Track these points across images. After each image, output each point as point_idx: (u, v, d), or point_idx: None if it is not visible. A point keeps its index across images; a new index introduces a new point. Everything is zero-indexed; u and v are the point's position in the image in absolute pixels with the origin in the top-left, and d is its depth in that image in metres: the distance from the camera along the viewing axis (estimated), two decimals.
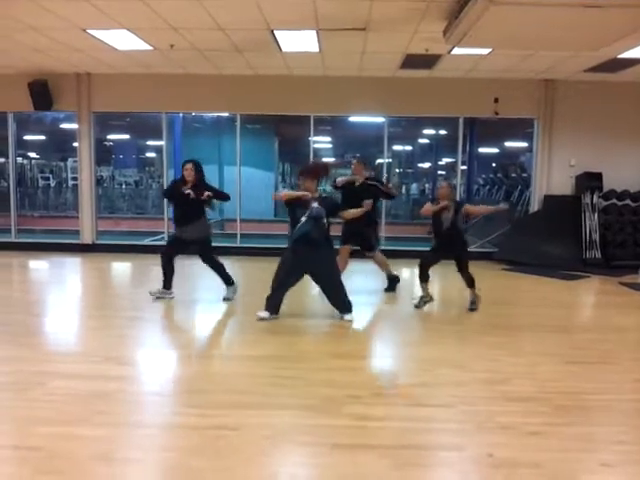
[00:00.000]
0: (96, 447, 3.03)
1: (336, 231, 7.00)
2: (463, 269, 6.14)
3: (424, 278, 6.27)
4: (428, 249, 6.53)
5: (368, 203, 5.78)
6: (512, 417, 3.50)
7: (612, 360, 4.72)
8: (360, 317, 6.16)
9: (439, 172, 17.82)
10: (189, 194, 6.16)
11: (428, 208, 6.19)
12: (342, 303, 5.75)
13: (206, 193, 6.21)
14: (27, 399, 3.67)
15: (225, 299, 6.51)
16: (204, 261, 6.52)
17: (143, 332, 5.52)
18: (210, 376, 4.29)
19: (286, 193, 5.83)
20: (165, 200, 7.32)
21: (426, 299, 6.33)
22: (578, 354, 4.86)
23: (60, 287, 8.08)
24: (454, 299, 6.72)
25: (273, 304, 5.70)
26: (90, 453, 2.97)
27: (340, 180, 7.17)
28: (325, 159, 14.20)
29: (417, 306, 6.30)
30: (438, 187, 6.39)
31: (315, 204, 5.56)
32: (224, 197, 6.58)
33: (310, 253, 5.53)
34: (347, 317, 5.71)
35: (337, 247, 7.10)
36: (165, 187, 7.02)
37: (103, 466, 2.86)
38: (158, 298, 6.44)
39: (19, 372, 4.17)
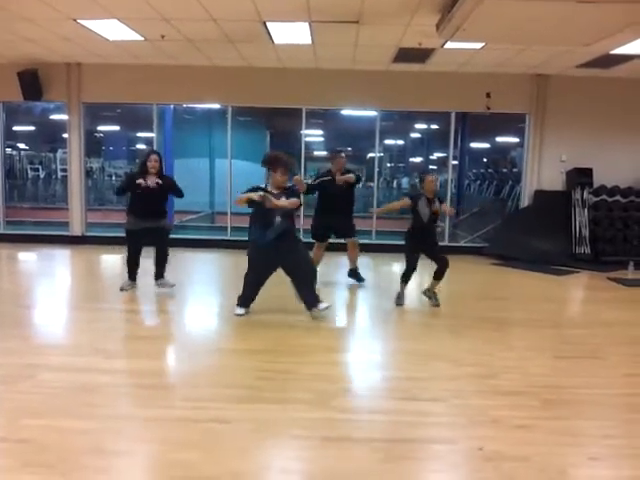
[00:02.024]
0: (85, 440, 3.02)
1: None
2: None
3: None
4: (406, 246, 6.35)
5: (294, 201, 5.52)
6: (502, 411, 3.52)
7: (600, 355, 4.75)
8: (352, 312, 6.18)
9: (431, 167, 17.83)
10: (157, 184, 6.20)
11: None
12: (315, 295, 5.63)
13: (155, 180, 6.23)
14: (16, 391, 3.65)
15: (171, 285, 6.57)
16: (159, 248, 6.52)
17: (132, 325, 5.51)
18: (200, 370, 4.28)
19: (243, 197, 5.44)
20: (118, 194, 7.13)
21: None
22: (567, 349, 4.90)
23: (49, 279, 8.02)
24: (444, 295, 6.72)
25: (248, 299, 5.68)
26: (79, 445, 2.96)
27: (314, 182, 7.13)
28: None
29: (400, 304, 6.28)
30: (426, 179, 6.14)
31: (283, 199, 5.42)
32: (180, 194, 6.53)
33: (284, 247, 5.44)
34: (322, 305, 5.57)
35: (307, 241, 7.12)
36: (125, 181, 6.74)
37: (92, 458, 2.85)
38: (123, 290, 6.49)
39: (8, 364, 4.14)
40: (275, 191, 5.46)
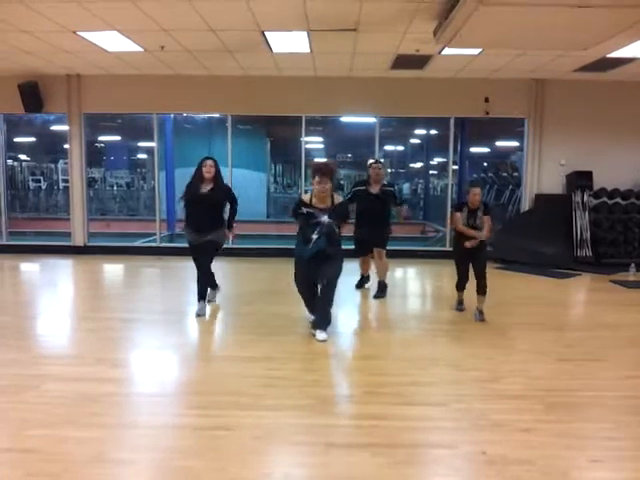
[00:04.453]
0: (89, 449, 3.03)
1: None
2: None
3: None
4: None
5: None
6: (504, 415, 3.53)
7: (603, 357, 4.75)
8: (353, 317, 6.19)
9: (431, 172, 17.85)
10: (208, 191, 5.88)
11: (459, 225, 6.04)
12: (328, 316, 5.28)
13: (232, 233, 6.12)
14: (20, 402, 3.67)
15: (209, 301, 6.37)
16: (203, 263, 6.11)
17: (135, 334, 5.51)
18: (203, 377, 4.29)
19: None
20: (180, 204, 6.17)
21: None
22: (569, 352, 4.90)
23: (52, 289, 8.04)
24: (447, 299, 6.73)
25: (312, 310, 5.47)
26: (83, 455, 2.97)
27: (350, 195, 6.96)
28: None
29: (460, 309, 6.29)
30: (470, 191, 5.96)
31: (325, 217, 5.10)
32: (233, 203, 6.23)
33: (322, 263, 5.15)
34: (320, 336, 5.13)
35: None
36: (184, 192, 6.08)
37: (96, 467, 2.86)
38: (210, 301, 6.35)
39: (12, 375, 4.16)
40: (319, 205, 5.16)
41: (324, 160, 6.05)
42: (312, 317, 5.48)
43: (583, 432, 3.35)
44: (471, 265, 6.06)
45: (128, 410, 3.66)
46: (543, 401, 3.76)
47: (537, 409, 3.64)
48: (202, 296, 6.09)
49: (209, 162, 5.91)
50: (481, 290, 5.96)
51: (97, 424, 3.34)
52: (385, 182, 7.12)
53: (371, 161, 7.19)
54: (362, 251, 7.18)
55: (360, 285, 7.40)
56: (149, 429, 3.33)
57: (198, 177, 5.93)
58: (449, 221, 6.20)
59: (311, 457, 3.02)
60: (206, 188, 5.92)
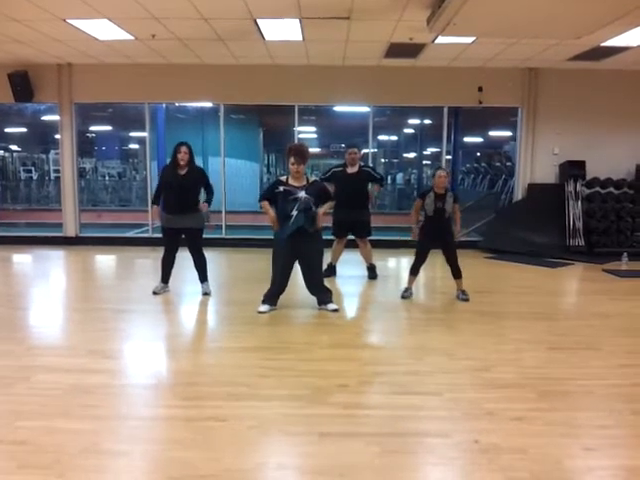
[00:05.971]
0: (82, 440, 3.01)
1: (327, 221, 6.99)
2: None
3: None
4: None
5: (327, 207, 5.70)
6: (497, 403, 3.54)
7: (595, 346, 4.77)
8: (347, 307, 6.18)
9: (424, 162, 17.85)
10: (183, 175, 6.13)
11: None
12: (324, 291, 5.77)
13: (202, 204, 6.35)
14: (11, 393, 3.64)
15: (206, 294, 6.43)
16: (193, 252, 6.37)
17: (128, 325, 5.48)
18: (197, 368, 4.28)
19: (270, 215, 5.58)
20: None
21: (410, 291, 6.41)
22: (562, 340, 4.92)
23: (44, 280, 8.00)
24: (440, 288, 6.75)
25: (270, 296, 5.72)
26: (76, 446, 2.95)
27: (326, 174, 7.20)
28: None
29: (405, 297, 6.33)
30: (436, 174, 6.16)
31: (302, 193, 5.42)
32: (209, 189, 6.44)
33: (302, 241, 5.48)
34: (331, 307, 5.72)
35: (331, 238, 7.17)
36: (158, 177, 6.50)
37: (89, 458, 2.84)
38: (156, 294, 6.38)
39: (3, 366, 4.13)
40: (295, 183, 5.49)
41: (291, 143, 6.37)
42: (263, 308, 5.65)
43: (576, 420, 3.36)
44: (443, 252, 6.28)
45: (121, 401, 3.64)
46: (536, 390, 3.77)
47: (530, 398, 3.65)
48: (165, 279, 6.45)
49: (183, 148, 6.14)
50: (457, 274, 6.26)
51: (90, 415, 3.33)
52: (362, 163, 7.29)
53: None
54: (340, 232, 7.26)
55: (327, 274, 7.02)
56: (143, 420, 3.32)
57: (174, 162, 6.17)
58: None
59: (305, 447, 3.01)
60: (181, 172, 6.16)
